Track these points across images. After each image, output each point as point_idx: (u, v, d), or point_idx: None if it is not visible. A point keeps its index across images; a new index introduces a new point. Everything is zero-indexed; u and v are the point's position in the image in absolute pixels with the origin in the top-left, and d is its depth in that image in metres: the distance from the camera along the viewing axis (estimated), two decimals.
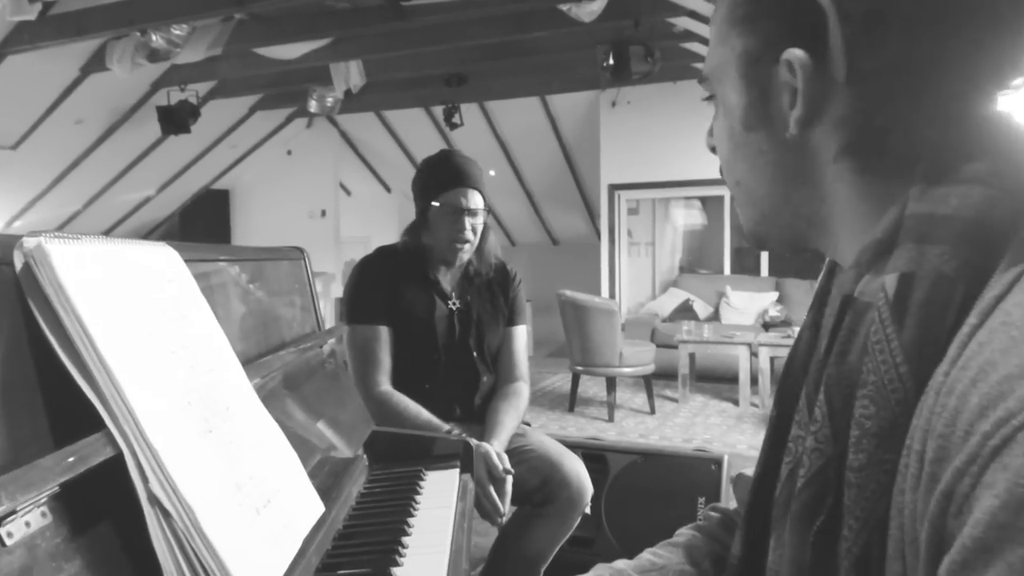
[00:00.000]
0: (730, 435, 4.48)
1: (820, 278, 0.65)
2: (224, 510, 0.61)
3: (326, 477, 1.01)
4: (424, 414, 1.80)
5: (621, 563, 0.73)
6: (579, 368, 4.89)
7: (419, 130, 8.62)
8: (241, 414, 0.73)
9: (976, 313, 0.42)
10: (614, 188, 7.38)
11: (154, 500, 0.55)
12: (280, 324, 1.18)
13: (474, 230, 1.89)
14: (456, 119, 7.16)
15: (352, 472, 1.07)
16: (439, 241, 1.90)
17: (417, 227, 1.94)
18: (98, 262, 0.60)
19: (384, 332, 1.88)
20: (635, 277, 7.72)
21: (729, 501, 2.39)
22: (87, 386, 0.54)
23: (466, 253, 1.91)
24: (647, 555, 0.74)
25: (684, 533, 0.77)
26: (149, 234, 9.36)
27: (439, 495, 1.26)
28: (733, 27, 0.55)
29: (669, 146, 6.89)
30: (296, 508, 0.76)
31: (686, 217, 8.61)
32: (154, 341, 0.63)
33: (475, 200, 1.88)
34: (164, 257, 0.74)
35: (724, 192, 6.89)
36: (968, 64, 0.47)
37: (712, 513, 0.79)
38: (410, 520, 1.11)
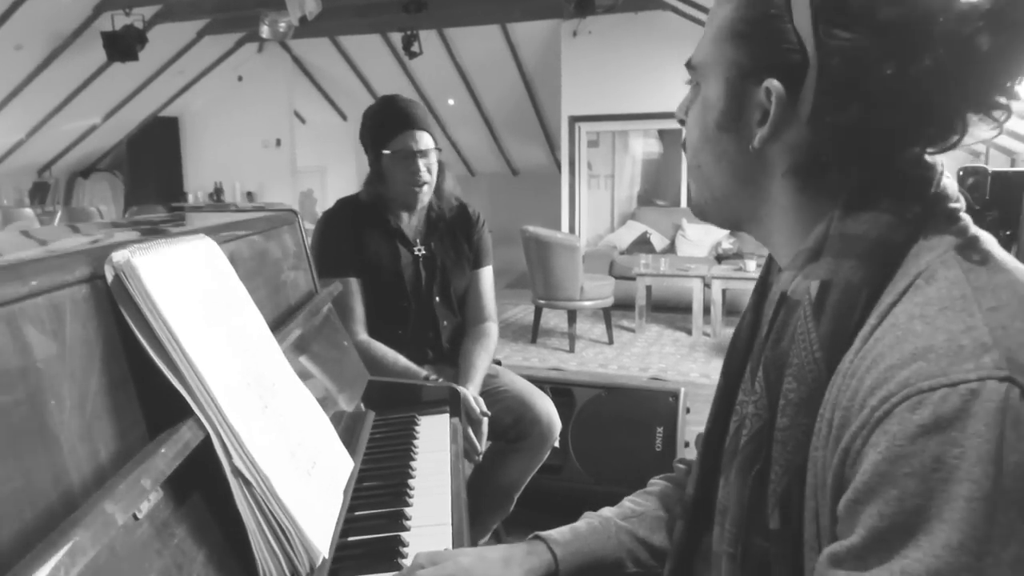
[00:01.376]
0: (683, 363, 4.73)
1: (760, 274, 0.78)
2: (287, 475, 0.72)
3: (343, 432, 1.13)
4: (401, 360, 1.91)
5: (607, 511, 0.87)
6: (541, 302, 5.05)
7: (376, 58, 8.42)
8: (283, 387, 0.84)
9: (876, 315, 0.55)
10: (574, 120, 7.40)
11: (237, 472, 0.65)
12: (286, 289, 1.26)
13: (429, 170, 1.93)
14: (415, 47, 7.02)
15: (364, 426, 1.19)
16: (397, 187, 1.93)
17: (373, 179, 1.98)
18: (169, 267, 0.69)
19: (355, 283, 1.94)
20: (594, 209, 7.84)
21: (685, 428, 2.60)
22: (177, 381, 0.63)
23: (425, 195, 1.96)
24: (628, 503, 0.88)
25: (657, 483, 0.91)
26: (97, 162, 9.07)
27: (434, 439, 1.39)
28: (731, 38, 0.63)
29: (630, 78, 6.90)
30: (334, 466, 0.87)
31: (644, 146, 8.69)
32: (217, 331, 0.72)
33: (425, 141, 1.91)
34: (207, 249, 0.82)
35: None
36: (907, 131, 0.58)
37: (680, 465, 0.93)
38: (412, 464, 1.24)
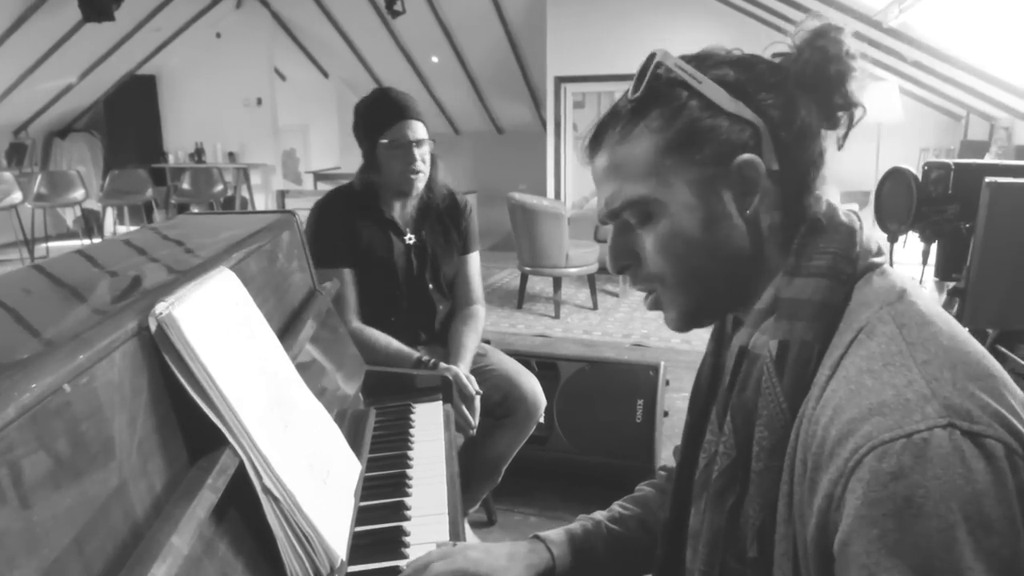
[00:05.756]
0: (665, 329, 4.84)
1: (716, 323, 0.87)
2: (307, 488, 0.83)
3: (348, 430, 1.24)
4: (394, 344, 2.02)
5: (598, 514, 0.98)
6: (527, 268, 5.15)
7: (359, 16, 8.31)
8: (299, 402, 0.94)
9: (828, 366, 0.66)
10: (560, 80, 7.38)
11: (267, 491, 0.76)
12: (290, 293, 1.35)
13: (424, 160, 2.02)
14: (398, 6, 6.94)
15: (367, 424, 1.30)
16: (393, 176, 2.02)
17: (367, 168, 2.06)
18: (202, 310, 0.78)
19: (348, 274, 2.04)
20: (580, 172, 7.88)
21: (664, 400, 2.74)
22: (216, 417, 0.74)
23: (421, 182, 2.05)
24: (617, 508, 1.00)
25: (643, 489, 1.03)
26: (74, 122, 8.95)
27: (428, 427, 1.50)
28: (674, 154, 0.71)
29: (617, 38, 6.88)
30: (345, 471, 0.98)
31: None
32: (245, 362, 0.82)
33: (420, 131, 2.01)
34: (229, 283, 0.91)
35: None
36: (815, 161, 0.73)
37: (662, 472, 1.04)
38: (409, 453, 1.35)
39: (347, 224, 2.05)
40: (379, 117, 2.02)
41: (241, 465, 0.76)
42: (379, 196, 2.08)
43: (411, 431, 1.46)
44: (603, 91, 7.87)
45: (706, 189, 0.71)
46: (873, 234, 0.73)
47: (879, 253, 0.72)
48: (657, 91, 0.72)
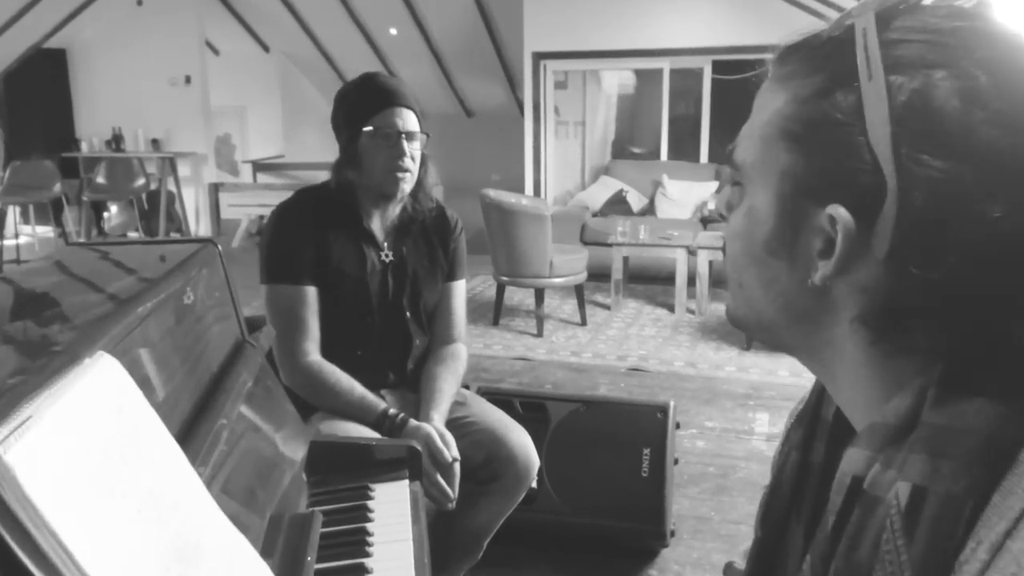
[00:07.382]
0: (666, 349, 4.74)
1: (809, 397, 0.72)
2: None
3: (285, 549, 1.05)
4: (358, 389, 1.84)
5: None
6: (504, 279, 4.98)
7: None
8: (209, 543, 0.76)
9: (986, 547, 0.47)
10: (539, 57, 7.24)
11: None
12: (208, 353, 1.16)
13: (413, 157, 1.89)
14: None
15: (310, 535, 1.11)
16: (374, 173, 1.88)
17: (344, 163, 1.91)
18: (58, 441, 0.60)
19: (311, 294, 1.87)
20: (563, 162, 7.75)
21: (675, 446, 2.58)
22: None
23: (407, 184, 1.91)
24: None
25: None
26: None
27: (392, 520, 1.32)
28: (783, 139, 0.57)
29: (602, 9, 6.76)
30: None
31: (619, 79, 8.59)
32: (122, 507, 0.64)
33: (411, 122, 1.88)
34: (109, 377, 0.72)
35: (663, 64, 6.89)
36: (1019, 293, 0.52)
37: None
38: (367, 563, 1.17)
39: (317, 233, 1.88)
40: (363, 102, 1.89)
41: None
42: (356, 199, 1.92)
43: (369, 527, 1.28)
44: (588, 69, 7.76)
45: (785, 210, 0.58)
46: None
47: None
48: (829, 47, 0.56)
